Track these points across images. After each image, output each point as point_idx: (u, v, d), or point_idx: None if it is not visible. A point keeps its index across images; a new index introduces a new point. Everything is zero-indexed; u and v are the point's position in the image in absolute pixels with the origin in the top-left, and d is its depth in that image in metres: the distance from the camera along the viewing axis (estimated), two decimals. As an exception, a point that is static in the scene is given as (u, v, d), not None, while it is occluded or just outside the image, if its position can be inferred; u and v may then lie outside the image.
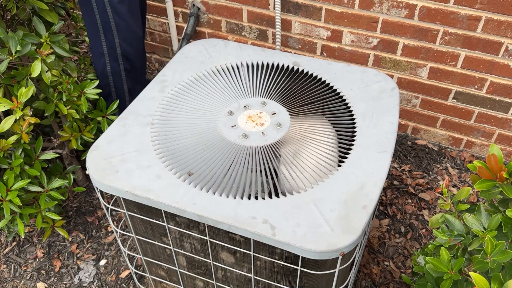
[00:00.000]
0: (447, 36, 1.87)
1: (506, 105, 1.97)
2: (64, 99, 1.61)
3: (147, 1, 2.44)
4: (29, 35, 1.49)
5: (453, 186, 2.05)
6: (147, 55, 2.75)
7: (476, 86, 1.97)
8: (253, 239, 1.04)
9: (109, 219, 1.26)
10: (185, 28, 2.38)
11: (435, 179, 2.07)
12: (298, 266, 1.05)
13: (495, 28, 1.77)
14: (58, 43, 1.56)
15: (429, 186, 2.04)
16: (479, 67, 1.90)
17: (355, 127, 1.22)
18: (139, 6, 1.90)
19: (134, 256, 1.77)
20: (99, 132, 1.82)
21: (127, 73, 1.93)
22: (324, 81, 1.37)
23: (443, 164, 2.15)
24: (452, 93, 2.04)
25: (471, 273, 0.78)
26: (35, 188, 1.61)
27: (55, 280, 1.74)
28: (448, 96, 2.06)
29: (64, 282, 1.73)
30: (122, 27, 1.80)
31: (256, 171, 1.12)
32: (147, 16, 2.53)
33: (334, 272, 1.05)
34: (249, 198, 1.04)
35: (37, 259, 1.81)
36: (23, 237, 1.88)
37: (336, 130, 1.24)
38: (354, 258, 1.15)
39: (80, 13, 2.34)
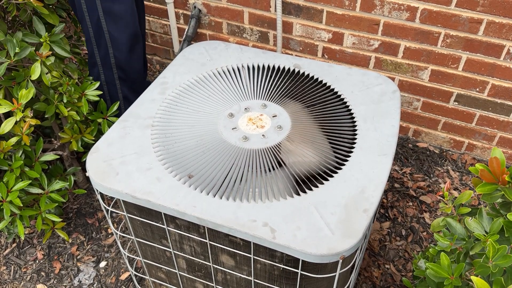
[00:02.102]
0: (449, 39, 1.87)
1: (507, 108, 1.96)
2: (65, 101, 1.61)
3: (149, 3, 2.44)
4: (29, 35, 1.49)
5: (454, 189, 2.04)
6: (148, 56, 2.75)
7: (477, 89, 1.97)
8: (253, 242, 1.03)
9: (109, 221, 1.25)
10: (186, 30, 2.38)
11: (436, 182, 2.07)
12: (298, 269, 1.05)
13: (496, 31, 1.77)
14: (57, 42, 1.56)
15: (430, 189, 2.03)
16: (480, 70, 1.90)
17: (356, 130, 1.21)
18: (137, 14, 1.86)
19: (134, 258, 1.77)
20: (99, 133, 1.82)
21: (122, 81, 1.89)
22: (325, 84, 1.37)
23: (444, 167, 2.14)
24: (453, 96, 2.04)
25: (473, 277, 0.78)
26: (35, 190, 1.60)
27: (55, 282, 1.73)
28: (449, 98, 2.06)
29: (64, 284, 1.72)
30: (118, 39, 1.76)
31: (257, 174, 1.12)
32: (148, 18, 2.53)
33: (335, 275, 1.04)
34: (249, 201, 1.03)
35: (37, 261, 1.80)
36: (23, 238, 1.87)
37: (337, 133, 1.24)
38: (355, 262, 1.15)
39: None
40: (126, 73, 1.89)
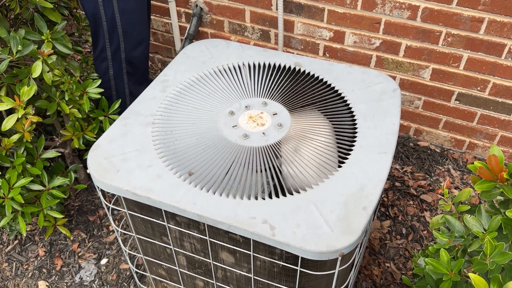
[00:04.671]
0: (450, 38, 1.87)
1: (508, 107, 1.96)
2: (67, 99, 1.62)
3: (151, 1, 2.45)
4: (31, 33, 1.50)
5: (455, 188, 2.04)
6: (150, 55, 2.75)
7: (478, 88, 1.97)
8: (252, 239, 1.04)
9: (110, 218, 1.26)
10: (187, 28, 2.38)
11: (437, 181, 2.07)
12: (297, 266, 1.05)
13: (498, 30, 1.77)
14: (59, 40, 1.57)
15: (431, 188, 2.04)
16: (481, 68, 1.90)
17: (356, 128, 1.22)
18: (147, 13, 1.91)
19: (135, 255, 1.77)
20: (101, 131, 1.82)
21: (129, 76, 1.93)
22: (326, 82, 1.37)
23: (445, 166, 2.14)
24: (454, 95, 2.04)
25: (470, 274, 0.78)
26: (36, 187, 1.61)
27: (56, 279, 1.74)
28: (450, 97, 2.05)
29: (65, 281, 1.73)
30: (130, 34, 1.81)
31: (257, 171, 1.12)
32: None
33: (334, 273, 1.05)
34: (249, 198, 1.04)
35: (39, 258, 1.81)
36: (25, 235, 1.88)
37: (337, 131, 1.24)
38: (354, 259, 1.15)
39: (83, 13, 2.34)
40: (135, 68, 1.92)
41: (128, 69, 1.91)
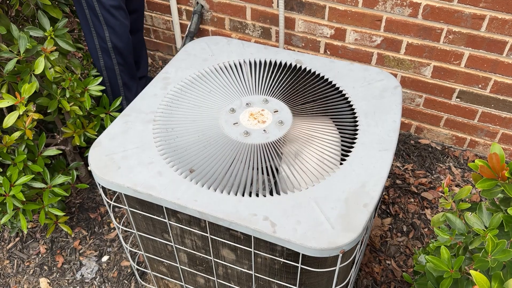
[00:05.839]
0: (451, 35, 1.86)
1: (510, 104, 1.96)
2: (68, 96, 1.62)
3: (151, -1, 2.45)
4: (34, 29, 1.50)
5: (456, 186, 2.04)
6: (151, 52, 2.75)
7: (480, 86, 1.96)
8: (253, 236, 1.04)
9: (111, 215, 1.26)
10: (188, 26, 2.38)
11: (438, 179, 2.07)
12: (298, 263, 1.05)
13: (499, 27, 1.76)
14: (61, 37, 1.56)
15: (431, 186, 2.03)
16: (483, 66, 1.90)
17: (357, 125, 1.22)
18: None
19: (136, 252, 1.78)
20: (102, 128, 1.82)
21: (121, 67, 1.93)
22: (327, 79, 1.37)
23: (446, 164, 2.14)
24: (455, 92, 2.03)
25: (472, 272, 0.78)
26: (38, 185, 1.61)
27: (57, 276, 1.74)
28: (451, 95, 2.05)
29: (67, 278, 1.74)
30: (111, 22, 1.80)
31: (258, 169, 1.12)
32: (150, 14, 2.53)
33: (335, 270, 1.05)
34: (250, 195, 1.04)
35: (40, 255, 1.82)
36: (26, 232, 1.89)
37: (338, 128, 1.24)
38: (355, 256, 1.15)
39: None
40: (125, 58, 1.91)
41: (118, 60, 1.91)
